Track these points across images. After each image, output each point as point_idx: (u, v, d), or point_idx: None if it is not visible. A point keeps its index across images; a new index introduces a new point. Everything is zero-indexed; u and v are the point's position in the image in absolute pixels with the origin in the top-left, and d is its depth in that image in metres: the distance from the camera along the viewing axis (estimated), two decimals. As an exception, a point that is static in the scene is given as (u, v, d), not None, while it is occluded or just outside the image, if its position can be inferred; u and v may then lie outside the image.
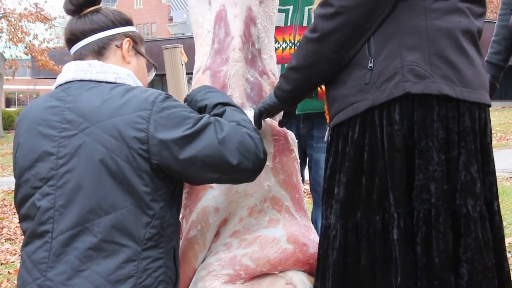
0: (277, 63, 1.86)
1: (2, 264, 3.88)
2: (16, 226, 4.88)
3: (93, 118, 1.36)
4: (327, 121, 1.54)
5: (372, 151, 1.36)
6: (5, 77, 19.52)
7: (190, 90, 1.67)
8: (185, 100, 1.63)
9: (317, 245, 1.64)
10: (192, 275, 1.63)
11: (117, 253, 1.32)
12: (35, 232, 1.37)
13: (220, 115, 1.48)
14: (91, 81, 1.44)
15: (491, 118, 1.48)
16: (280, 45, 2.32)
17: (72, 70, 1.46)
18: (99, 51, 1.50)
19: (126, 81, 1.46)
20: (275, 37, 1.84)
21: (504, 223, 2.50)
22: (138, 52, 1.58)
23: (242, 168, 1.38)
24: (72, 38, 1.52)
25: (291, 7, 2.31)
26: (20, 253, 1.67)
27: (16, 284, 1.48)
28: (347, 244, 1.40)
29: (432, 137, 1.33)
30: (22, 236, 1.46)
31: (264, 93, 1.69)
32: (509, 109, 16.30)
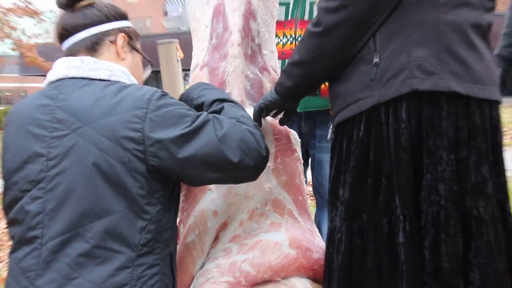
0: (278, 58, 1.86)
1: (-12, 271, 3.87)
2: (3, 232, 4.87)
3: (85, 118, 1.36)
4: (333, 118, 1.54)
5: (378, 150, 1.36)
6: (-9, 75, 19.46)
7: (187, 87, 1.67)
8: (180, 99, 1.62)
9: (321, 250, 1.64)
10: (190, 282, 1.63)
11: (111, 259, 1.32)
12: (23, 237, 1.36)
13: (218, 112, 1.48)
14: (83, 78, 1.43)
15: (503, 115, 1.48)
16: (281, 40, 2.32)
17: (63, 67, 1.46)
18: (92, 47, 1.50)
19: (121, 78, 1.46)
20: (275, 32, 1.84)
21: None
22: (133, 48, 1.57)
23: (244, 166, 1.38)
24: (64, 33, 1.52)
25: (291, 0, 2.32)
26: (7, 260, 1.67)
27: (3, 292, 1.47)
28: (353, 247, 1.40)
29: (441, 136, 1.32)
30: (10, 242, 1.46)
31: (264, 90, 1.69)
32: (521, 106, 16.30)
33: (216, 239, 1.64)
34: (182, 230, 1.66)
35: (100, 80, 1.43)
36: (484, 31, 1.41)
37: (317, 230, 1.78)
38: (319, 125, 2.38)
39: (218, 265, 1.59)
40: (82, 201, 1.33)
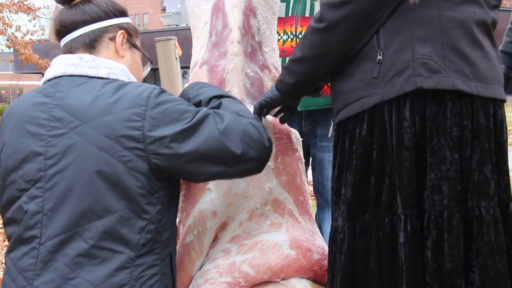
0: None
1: (-16, 271, 3.87)
2: (-1, 232, 4.87)
3: (84, 116, 1.36)
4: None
5: (381, 149, 1.37)
6: (-15, 72, 19.40)
7: (186, 85, 1.67)
8: None
9: (322, 251, 1.64)
10: (189, 283, 1.63)
11: (109, 260, 1.32)
12: (21, 237, 1.37)
13: (217, 108, 1.49)
14: (81, 76, 1.43)
15: (506, 114, 1.48)
16: (281, 37, 2.32)
17: (61, 64, 1.46)
18: (90, 44, 1.50)
19: (120, 76, 1.46)
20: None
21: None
22: (132, 46, 1.57)
23: (247, 158, 1.39)
24: (61, 30, 1.52)
25: (292, -3, 2.31)
26: (3, 260, 1.67)
27: (-1, 292, 1.48)
28: (355, 247, 1.40)
29: (445, 135, 1.33)
30: (6, 242, 1.46)
31: (265, 89, 1.69)
32: (525, 104, 16.26)
33: (215, 239, 1.64)
34: (181, 231, 1.67)
35: (98, 78, 1.43)
36: (488, 28, 1.41)
37: (319, 230, 1.78)
38: (320, 124, 2.38)
39: (217, 266, 1.59)
40: (81, 201, 1.33)
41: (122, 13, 1.57)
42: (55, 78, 1.46)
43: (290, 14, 2.33)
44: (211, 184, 1.61)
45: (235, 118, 1.41)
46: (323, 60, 1.44)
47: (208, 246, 1.64)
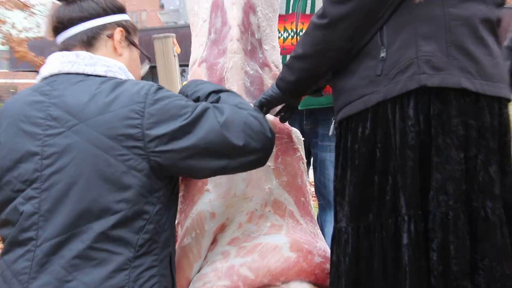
0: (279, 54, 1.86)
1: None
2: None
3: (81, 115, 1.36)
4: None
5: (385, 148, 1.36)
6: (-20, 70, 19.43)
7: (184, 83, 1.67)
8: None
9: (324, 253, 1.64)
10: (187, 286, 1.62)
11: (107, 261, 1.31)
12: (16, 239, 1.36)
13: (216, 102, 1.49)
14: (78, 74, 1.43)
15: (511, 113, 1.48)
16: (281, 35, 2.32)
17: (58, 62, 1.45)
18: (88, 42, 1.50)
19: (117, 74, 1.46)
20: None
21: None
22: (131, 43, 1.57)
23: (250, 149, 1.39)
24: (58, 26, 1.51)
25: (292, -6, 2.31)
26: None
27: (-7, 296, 1.47)
28: (359, 248, 1.40)
29: (450, 134, 1.32)
30: (1, 244, 1.46)
31: (265, 87, 1.69)
32: (530, 104, 16.22)
33: (214, 241, 1.64)
34: (180, 232, 1.66)
35: (96, 76, 1.43)
36: (493, 26, 1.41)
37: (320, 232, 1.78)
38: (321, 123, 2.38)
39: (215, 269, 1.59)
40: (79, 201, 1.32)
41: (121, 9, 1.57)
42: (51, 76, 1.45)
43: (290, 11, 2.33)
44: (209, 185, 1.61)
45: (235, 111, 1.41)
46: (325, 57, 1.43)
47: (206, 249, 1.63)
